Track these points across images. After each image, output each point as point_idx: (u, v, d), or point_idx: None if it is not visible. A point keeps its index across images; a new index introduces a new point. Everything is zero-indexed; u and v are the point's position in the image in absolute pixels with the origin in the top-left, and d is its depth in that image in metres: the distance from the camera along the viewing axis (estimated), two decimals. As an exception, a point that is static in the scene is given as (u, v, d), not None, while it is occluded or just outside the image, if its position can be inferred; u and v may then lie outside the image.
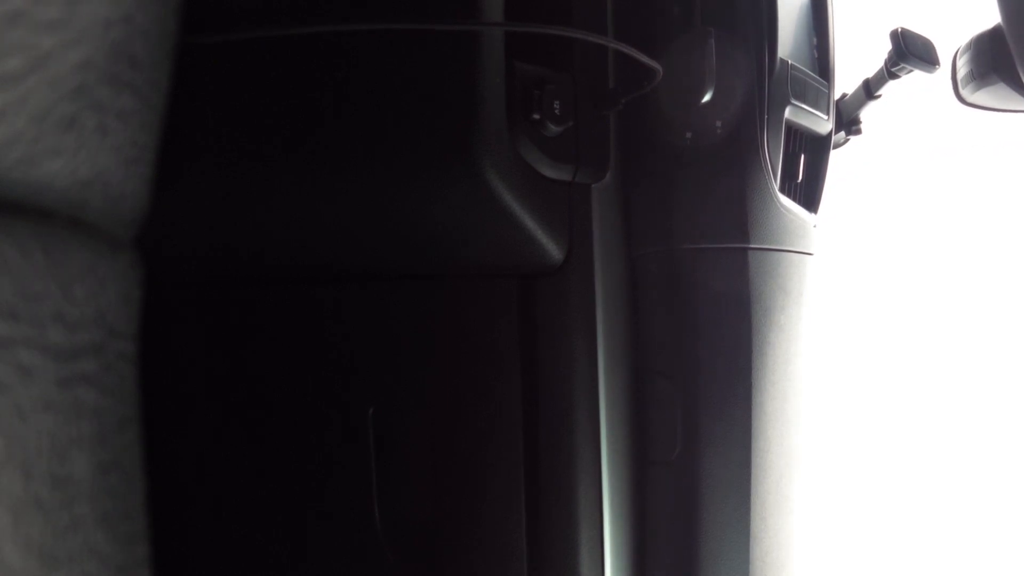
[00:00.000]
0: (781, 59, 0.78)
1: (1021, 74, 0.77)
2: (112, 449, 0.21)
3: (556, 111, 0.64)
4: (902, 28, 1.00)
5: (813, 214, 0.91)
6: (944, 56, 1.02)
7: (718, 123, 0.73)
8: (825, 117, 0.90)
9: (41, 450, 0.19)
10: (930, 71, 1.01)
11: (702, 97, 0.69)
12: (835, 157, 0.98)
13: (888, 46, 1.01)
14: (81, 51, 0.21)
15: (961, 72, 0.94)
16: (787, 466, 0.83)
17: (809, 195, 0.92)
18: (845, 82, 1.06)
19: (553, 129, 0.64)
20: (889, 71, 1.02)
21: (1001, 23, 0.78)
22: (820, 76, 0.90)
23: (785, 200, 0.80)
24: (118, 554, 0.21)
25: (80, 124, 0.21)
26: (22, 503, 0.18)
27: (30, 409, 0.19)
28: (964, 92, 0.95)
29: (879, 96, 1.06)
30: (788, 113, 0.80)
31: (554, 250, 0.67)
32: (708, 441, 0.76)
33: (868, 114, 1.09)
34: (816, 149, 0.93)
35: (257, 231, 0.68)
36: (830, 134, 0.94)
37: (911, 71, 1.01)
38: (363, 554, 0.71)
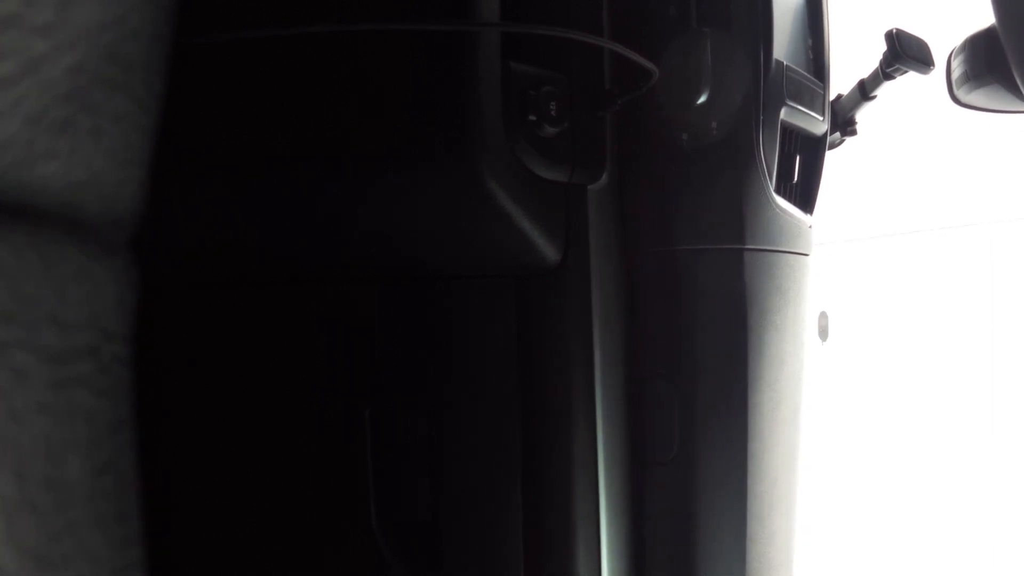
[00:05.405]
0: (776, 60, 0.78)
1: (1016, 75, 0.77)
2: (106, 451, 0.21)
3: (552, 112, 0.64)
4: (897, 29, 1.00)
5: (808, 215, 0.91)
6: (939, 57, 1.02)
7: (714, 124, 0.74)
8: (820, 118, 0.91)
9: (35, 453, 0.19)
10: (925, 72, 1.01)
11: (698, 98, 0.69)
12: (830, 158, 0.98)
13: (883, 47, 1.02)
14: (74, 54, 0.21)
15: (956, 73, 0.95)
16: (784, 466, 0.83)
17: (805, 196, 0.92)
18: (840, 83, 1.07)
19: (549, 130, 0.64)
20: (884, 72, 1.02)
21: (995, 24, 0.78)
22: (815, 77, 0.90)
23: (781, 201, 0.80)
24: (112, 556, 0.21)
25: (74, 127, 0.21)
26: (16, 506, 0.18)
27: (24, 412, 0.19)
28: (959, 93, 0.96)
29: (874, 97, 1.06)
30: (783, 114, 0.80)
31: (551, 251, 0.67)
32: (705, 441, 0.76)
33: (863, 115, 1.09)
34: (811, 150, 0.93)
35: (253, 232, 0.68)
36: (825, 135, 0.95)
37: (906, 72, 1.01)
38: (359, 556, 0.71)
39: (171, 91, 0.27)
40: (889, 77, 1.02)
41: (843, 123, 1.09)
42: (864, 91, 1.06)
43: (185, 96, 0.55)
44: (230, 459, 0.74)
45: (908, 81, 1.04)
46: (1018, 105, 0.91)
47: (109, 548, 0.21)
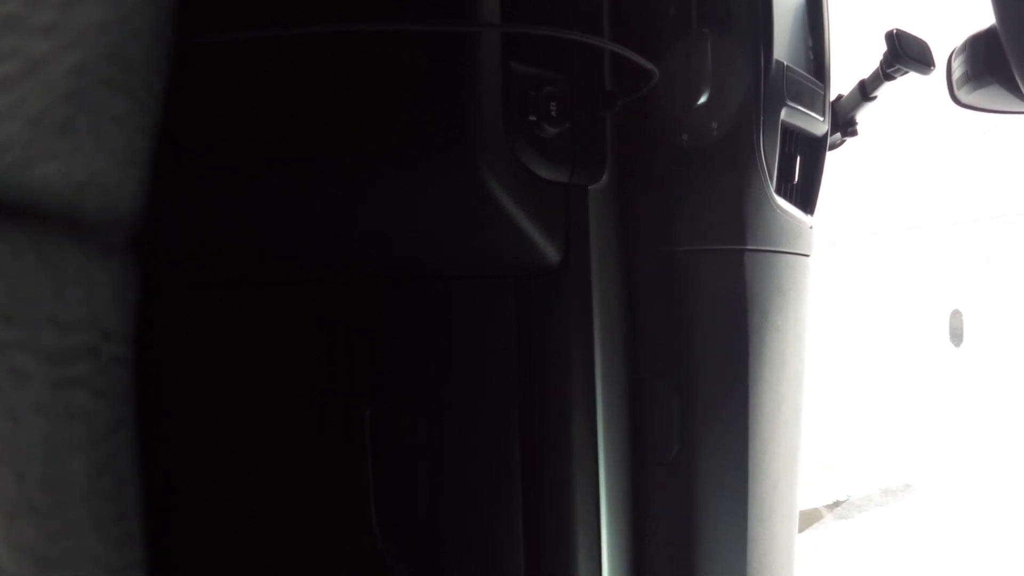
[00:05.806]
0: (777, 60, 0.78)
1: (1016, 75, 0.77)
2: (105, 452, 0.21)
3: (553, 113, 0.64)
4: (897, 29, 1.00)
5: (809, 215, 0.91)
6: (939, 57, 1.02)
7: (714, 125, 0.74)
8: (821, 118, 0.91)
9: (34, 453, 0.19)
10: (925, 72, 1.02)
11: (698, 99, 0.69)
12: (831, 158, 0.98)
13: (883, 47, 1.02)
14: (75, 55, 0.21)
15: (956, 73, 0.95)
16: (785, 467, 0.83)
17: (805, 196, 0.92)
18: (841, 83, 1.07)
19: (549, 131, 0.64)
20: (884, 72, 1.02)
21: (996, 24, 0.78)
22: (816, 77, 0.90)
23: (781, 201, 0.80)
24: (111, 556, 0.21)
25: (75, 128, 0.21)
26: (15, 506, 0.18)
27: (23, 412, 0.19)
28: (959, 93, 0.96)
29: (874, 97, 1.06)
30: (784, 115, 0.80)
31: (551, 252, 0.67)
32: (705, 442, 0.76)
33: (864, 115, 1.09)
34: (812, 150, 0.93)
35: (253, 232, 0.68)
36: (826, 135, 0.95)
37: (906, 72, 1.01)
38: (359, 556, 0.71)
39: (171, 91, 0.27)
40: (890, 78, 1.02)
41: (843, 123, 1.09)
42: (864, 92, 1.06)
43: (185, 96, 0.55)
44: (230, 459, 0.74)
45: (909, 81, 1.04)
46: (1019, 105, 0.91)
47: (107, 548, 0.21)
